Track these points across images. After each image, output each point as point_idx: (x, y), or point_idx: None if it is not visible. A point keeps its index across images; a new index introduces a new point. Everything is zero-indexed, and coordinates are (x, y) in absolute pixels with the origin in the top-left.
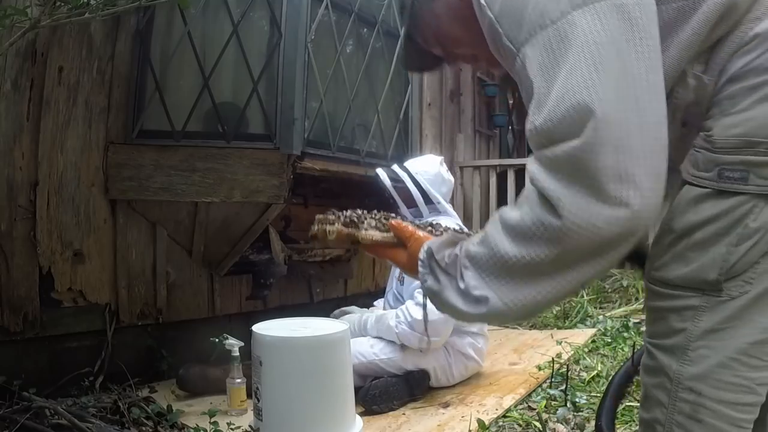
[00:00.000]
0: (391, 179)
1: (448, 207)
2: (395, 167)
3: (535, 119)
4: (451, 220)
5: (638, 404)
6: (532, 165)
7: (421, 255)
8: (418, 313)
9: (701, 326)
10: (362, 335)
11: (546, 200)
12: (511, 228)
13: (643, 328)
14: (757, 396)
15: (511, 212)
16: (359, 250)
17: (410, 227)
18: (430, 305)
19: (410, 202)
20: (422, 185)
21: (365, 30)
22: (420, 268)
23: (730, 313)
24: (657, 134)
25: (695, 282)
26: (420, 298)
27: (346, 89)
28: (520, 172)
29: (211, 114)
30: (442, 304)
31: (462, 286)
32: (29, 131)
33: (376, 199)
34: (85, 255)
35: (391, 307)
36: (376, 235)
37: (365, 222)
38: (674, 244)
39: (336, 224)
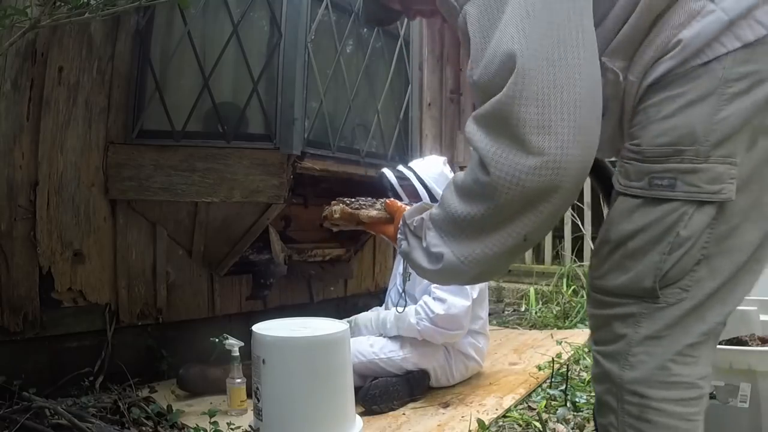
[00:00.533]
0: (397, 178)
1: None
2: (400, 167)
3: (473, 73)
4: None
5: None
6: (468, 124)
7: (400, 223)
8: (438, 308)
9: (641, 333)
10: (381, 335)
11: (480, 158)
12: (459, 188)
13: None
14: (699, 389)
15: (461, 174)
16: (363, 230)
17: (399, 203)
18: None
19: (416, 200)
20: (427, 183)
21: (365, 30)
22: (398, 234)
23: (669, 321)
24: (585, 89)
25: (633, 290)
26: (438, 292)
27: (346, 89)
28: None
29: (211, 114)
30: (412, 264)
31: (425, 245)
32: (29, 131)
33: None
34: (85, 255)
35: (394, 305)
36: (372, 212)
37: (367, 206)
38: (612, 253)
39: (341, 205)
